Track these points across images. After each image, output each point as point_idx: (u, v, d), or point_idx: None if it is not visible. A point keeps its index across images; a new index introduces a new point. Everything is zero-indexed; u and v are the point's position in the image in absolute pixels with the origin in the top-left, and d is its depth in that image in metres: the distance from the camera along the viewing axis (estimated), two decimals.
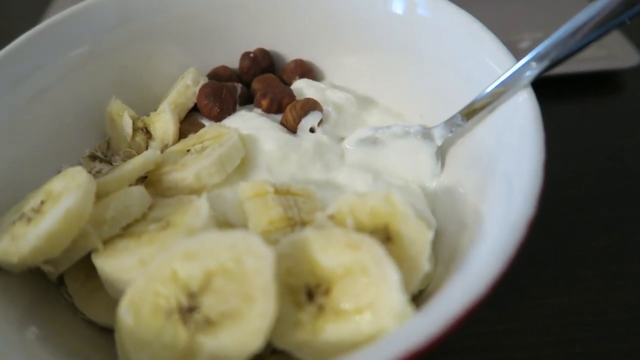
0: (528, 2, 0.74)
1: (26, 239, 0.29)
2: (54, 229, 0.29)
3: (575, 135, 0.58)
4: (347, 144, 0.43)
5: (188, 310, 0.27)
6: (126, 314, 0.28)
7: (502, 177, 0.32)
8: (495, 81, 0.35)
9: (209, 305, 0.27)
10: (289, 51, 0.52)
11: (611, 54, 0.63)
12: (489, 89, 0.35)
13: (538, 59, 0.34)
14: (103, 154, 0.45)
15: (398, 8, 0.44)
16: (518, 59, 0.51)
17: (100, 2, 0.45)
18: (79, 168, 0.34)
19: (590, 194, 0.52)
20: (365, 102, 0.48)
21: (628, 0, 0.32)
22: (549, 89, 0.59)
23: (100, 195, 0.34)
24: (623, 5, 0.32)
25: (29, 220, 0.31)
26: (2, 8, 0.89)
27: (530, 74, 0.34)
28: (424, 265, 0.30)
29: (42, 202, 0.32)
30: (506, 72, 0.35)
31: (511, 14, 0.72)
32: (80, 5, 0.44)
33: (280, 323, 0.28)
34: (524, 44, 0.66)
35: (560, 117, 0.60)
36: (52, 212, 0.30)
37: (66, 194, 0.31)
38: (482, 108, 0.36)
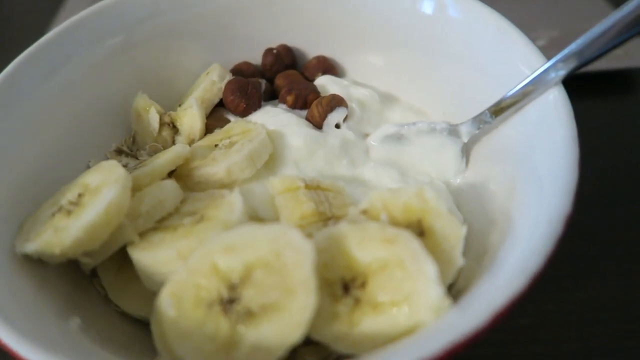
0: (542, 0, 0.74)
1: (68, 230, 0.30)
2: (96, 221, 0.30)
3: (590, 132, 0.59)
4: (372, 140, 0.44)
5: (229, 302, 0.28)
6: (168, 306, 0.28)
7: (532, 174, 0.33)
8: (525, 79, 0.35)
9: (250, 297, 0.28)
10: (311, 47, 0.53)
11: (625, 52, 0.63)
12: (518, 87, 0.35)
13: (566, 59, 0.34)
14: (129, 149, 0.45)
15: (427, 8, 0.44)
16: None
17: None
18: (114, 162, 0.34)
19: (605, 191, 0.52)
20: (388, 99, 0.49)
21: None
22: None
23: (134, 189, 0.34)
24: None
25: (69, 212, 0.31)
26: (10, 15, 0.89)
27: (560, 74, 0.34)
28: (458, 259, 0.31)
29: (80, 195, 0.32)
30: (535, 71, 0.35)
31: (526, 12, 0.72)
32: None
33: (318, 315, 0.28)
34: (540, 42, 0.67)
35: (575, 116, 0.61)
36: (93, 205, 0.30)
37: (105, 187, 0.31)
38: (510, 106, 0.36)
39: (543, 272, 0.25)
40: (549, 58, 0.67)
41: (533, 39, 0.66)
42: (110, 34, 0.44)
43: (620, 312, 0.43)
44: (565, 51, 0.35)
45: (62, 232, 0.30)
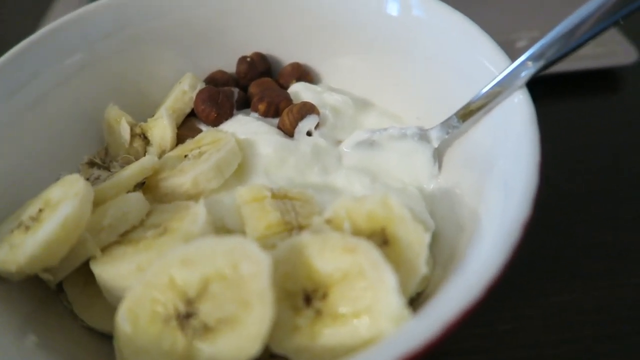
0: (524, 1, 0.74)
1: (24, 247, 0.29)
2: (52, 237, 0.29)
3: (575, 132, 0.58)
4: (344, 147, 0.43)
5: (185, 317, 0.28)
6: (124, 322, 0.28)
7: (498, 178, 0.32)
8: (490, 82, 0.35)
9: (207, 311, 0.27)
10: (285, 54, 0.52)
11: (609, 51, 0.63)
12: (484, 90, 0.35)
13: (533, 59, 0.34)
14: (101, 160, 0.45)
15: (393, 9, 0.44)
16: (515, 58, 0.51)
17: (95, 10, 0.45)
18: (76, 176, 0.34)
19: (589, 191, 0.52)
20: (362, 105, 0.48)
21: None
22: (547, 87, 0.59)
23: (98, 203, 0.34)
24: (618, 3, 0.32)
25: (27, 228, 0.31)
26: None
27: (526, 74, 0.34)
28: (422, 268, 0.30)
29: (40, 210, 0.32)
30: (501, 72, 0.35)
31: (508, 13, 0.72)
32: (75, 13, 0.44)
33: (278, 328, 0.28)
34: (521, 43, 0.66)
35: (558, 115, 0.60)
36: (49, 220, 0.30)
37: (64, 202, 0.31)
38: (478, 109, 0.36)
39: (500, 279, 0.25)
40: None
41: (514, 40, 0.67)
42: (74, 49, 0.44)
43: (603, 315, 0.43)
44: (532, 50, 0.34)
45: (18, 249, 0.29)
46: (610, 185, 0.52)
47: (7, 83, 0.40)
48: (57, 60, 0.43)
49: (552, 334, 0.42)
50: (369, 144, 0.43)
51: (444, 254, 0.36)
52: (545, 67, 0.34)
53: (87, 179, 0.43)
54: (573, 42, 0.33)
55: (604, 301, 0.44)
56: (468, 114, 0.37)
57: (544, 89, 0.35)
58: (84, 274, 0.35)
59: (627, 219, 0.49)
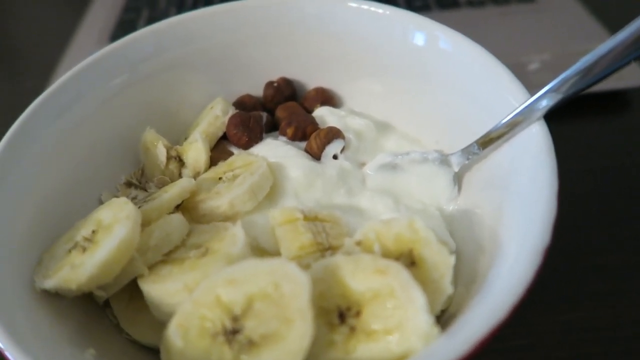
0: (535, 23, 0.76)
1: (84, 267, 0.32)
2: (109, 258, 0.32)
3: (583, 154, 0.60)
4: (368, 170, 0.46)
5: (232, 332, 0.30)
6: (175, 336, 0.30)
7: (517, 202, 0.35)
8: (510, 113, 0.37)
9: (251, 327, 0.30)
10: (310, 78, 0.55)
11: (619, 74, 0.65)
12: (504, 121, 0.37)
13: (552, 92, 0.36)
14: (138, 181, 0.48)
15: (419, 40, 0.46)
16: (527, 81, 0.54)
17: (138, 36, 0.48)
18: (124, 199, 0.36)
19: (599, 212, 0.54)
20: (383, 128, 0.51)
21: None
22: (555, 108, 0.62)
23: (143, 224, 0.37)
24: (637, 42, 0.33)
25: (84, 249, 0.34)
26: (20, 48, 0.92)
27: (544, 107, 0.36)
28: (447, 288, 0.33)
29: (94, 232, 0.35)
30: (521, 105, 0.37)
31: (518, 35, 0.75)
32: (121, 40, 0.47)
33: (315, 343, 0.30)
34: (532, 66, 0.69)
35: (567, 136, 0.62)
36: (106, 242, 0.33)
37: (117, 224, 0.34)
38: (498, 138, 0.38)
39: (523, 301, 0.27)
40: (540, 82, 0.69)
41: (526, 63, 0.70)
42: (116, 73, 0.47)
43: (613, 332, 0.45)
44: (551, 84, 0.36)
45: (78, 269, 0.32)
46: (619, 205, 0.55)
47: (54, 106, 0.43)
48: (100, 83, 0.46)
49: (563, 350, 0.44)
50: (392, 167, 0.45)
51: (464, 273, 0.38)
52: (563, 100, 0.36)
53: None
54: (591, 78, 0.35)
55: (614, 319, 0.45)
56: (488, 141, 0.39)
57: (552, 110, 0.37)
58: (129, 290, 0.37)
59: (636, 238, 0.51)
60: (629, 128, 0.63)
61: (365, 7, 0.47)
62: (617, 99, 0.66)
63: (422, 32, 0.46)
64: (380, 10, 0.47)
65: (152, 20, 0.83)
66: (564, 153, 0.60)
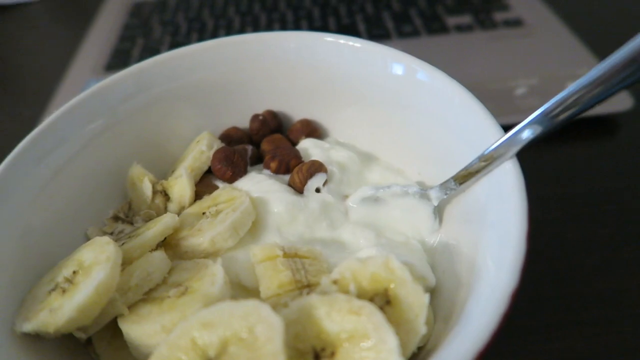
0: (522, 48, 0.77)
1: (62, 311, 0.32)
2: (87, 301, 0.32)
3: (571, 178, 0.61)
4: (350, 202, 0.47)
5: None
6: None
7: (492, 239, 0.35)
8: (485, 150, 0.38)
9: None
10: (295, 110, 0.56)
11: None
12: (478, 157, 0.38)
13: (529, 127, 0.35)
14: (125, 215, 0.48)
15: (398, 70, 0.47)
16: (515, 106, 0.53)
17: (118, 78, 0.49)
18: (106, 239, 0.37)
19: (588, 237, 0.54)
20: (367, 159, 0.52)
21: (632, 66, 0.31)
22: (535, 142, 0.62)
23: (125, 263, 0.37)
24: (627, 71, 0.31)
25: (64, 291, 0.34)
26: (19, 75, 0.94)
27: (521, 141, 0.35)
28: (421, 328, 0.33)
29: (74, 273, 0.35)
30: (496, 141, 0.37)
31: (506, 60, 0.75)
32: (101, 82, 0.48)
33: None
34: (520, 91, 0.70)
35: (555, 160, 0.63)
36: (84, 285, 0.33)
37: (96, 266, 0.34)
38: (474, 173, 0.39)
39: (490, 344, 0.27)
40: (528, 106, 0.70)
41: (513, 87, 0.70)
42: (98, 114, 0.47)
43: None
44: (527, 120, 0.36)
45: (56, 312, 0.33)
46: (608, 230, 0.55)
47: (37, 150, 0.43)
48: (82, 126, 0.47)
49: None
50: (374, 200, 0.46)
51: (444, 307, 0.39)
52: (543, 133, 0.35)
53: (112, 233, 0.47)
54: (570, 113, 0.34)
55: (602, 347, 0.46)
56: (465, 177, 0.40)
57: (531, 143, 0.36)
58: (111, 327, 0.38)
59: (625, 263, 0.51)
60: (618, 151, 0.63)
61: (342, 41, 0.48)
62: (606, 124, 0.67)
63: (400, 64, 0.46)
64: (357, 45, 0.48)
65: (147, 49, 0.85)
66: (553, 177, 0.61)
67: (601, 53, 0.73)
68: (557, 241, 0.54)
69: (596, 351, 0.45)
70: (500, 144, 0.37)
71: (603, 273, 0.51)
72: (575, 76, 0.71)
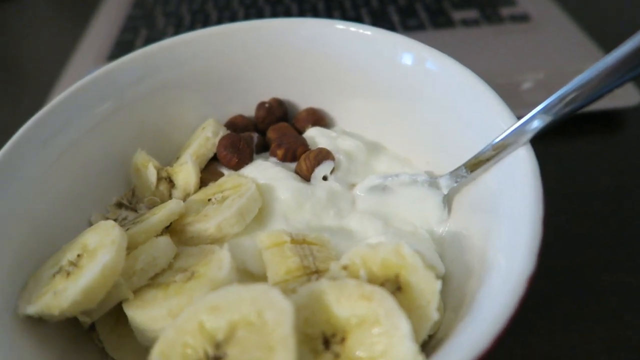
0: (528, 42, 0.77)
1: (66, 293, 0.32)
2: (92, 283, 0.32)
3: (578, 173, 0.60)
4: (358, 191, 0.46)
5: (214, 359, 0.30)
6: None
7: (505, 226, 0.34)
8: (497, 136, 0.37)
9: (234, 355, 0.29)
10: (301, 98, 0.55)
11: (612, 93, 0.65)
12: (491, 144, 0.37)
13: (540, 115, 0.35)
14: (128, 202, 0.48)
15: (407, 60, 0.46)
16: (521, 100, 0.53)
17: (126, 60, 0.48)
18: (111, 222, 0.36)
19: (594, 233, 0.54)
20: (374, 148, 0.51)
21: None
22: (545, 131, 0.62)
23: (130, 247, 0.37)
24: (629, 64, 0.32)
25: (68, 274, 0.34)
26: (24, 63, 0.94)
27: (534, 129, 0.35)
28: (433, 314, 0.32)
29: (79, 256, 0.35)
30: (509, 128, 0.37)
31: (513, 54, 0.75)
32: (108, 65, 0.47)
33: None
34: (526, 85, 0.69)
35: (561, 156, 0.62)
36: (89, 267, 0.33)
37: (101, 249, 0.33)
38: (486, 161, 0.38)
39: (506, 330, 0.27)
40: (534, 101, 0.69)
41: (520, 82, 0.70)
42: (105, 97, 0.47)
43: (611, 355, 0.44)
44: (537, 109, 0.36)
45: (61, 295, 0.32)
46: (614, 226, 0.54)
47: (42, 132, 0.43)
48: (88, 108, 0.46)
49: None
50: (382, 188, 0.45)
51: (454, 296, 0.38)
52: (553, 123, 0.35)
53: (115, 219, 0.46)
54: (580, 102, 0.34)
55: (611, 342, 0.45)
56: (476, 164, 0.39)
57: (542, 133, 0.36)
58: (115, 314, 0.37)
59: (630, 258, 0.51)
60: (624, 148, 0.63)
61: (353, 29, 0.48)
62: (612, 119, 0.66)
63: (410, 52, 0.46)
64: (368, 32, 0.47)
65: (150, 40, 0.84)
66: (559, 172, 0.60)
67: (607, 48, 0.73)
68: (560, 236, 0.53)
69: (606, 345, 0.45)
70: (513, 130, 0.36)
71: (609, 268, 0.50)
72: (581, 70, 0.70)
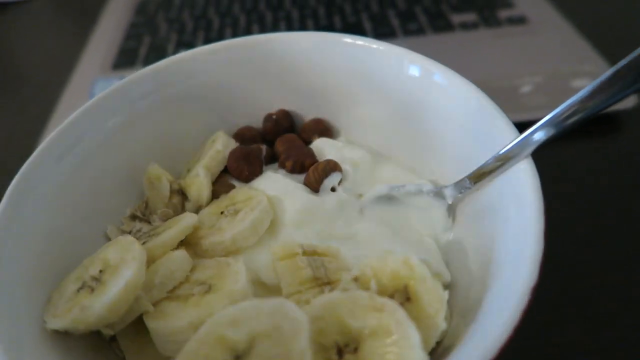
0: (527, 45, 0.78)
1: (92, 309, 0.33)
2: (117, 299, 0.33)
3: (575, 175, 0.62)
4: (365, 201, 0.47)
5: None
6: None
7: (508, 237, 0.36)
8: (500, 149, 0.38)
9: None
10: (308, 109, 0.57)
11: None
12: (493, 157, 0.39)
13: (542, 129, 0.37)
14: (142, 214, 0.49)
15: (414, 72, 0.47)
16: (520, 103, 0.53)
17: (137, 76, 0.50)
18: (130, 238, 0.38)
19: (591, 234, 0.55)
20: (380, 158, 0.52)
21: None
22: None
23: (148, 261, 0.38)
24: (631, 78, 0.32)
25: (92, 289, 0.35)
26: (27, 73, 0.95)
27: (534, 143, 0.36)
28: (441, 324, 0.34)
29: (101, 271, 0.36)
30: (512, 141, 0.38)
31: (511, 57, 0.76)
32: (120, 82, 0.48)
33: None
34: (525, 88, 0.71)
35: (558, 158, 0.64)
36: (113, 283, 0.34)
37: (124, 265, 0.35)
38: (489, 173, 0.40)
39: (511, 338, 0.29)
40: (533, 104, 0.71)
41: (518, 85, 0.71)
42: (116, 112, 0.48)
43: (607, 356, 0.46)
44: (542, 122, 0.37)
45: (87, 310, 0.33)
46: (611, 227, 0.56)
47: (56, 149, 0.44)
48: (100, 124, 0.48)
49: None
50: (388, 198, 0.47)
51: (460, 304, 0.40)
52: (556, 135, 0.36)
53: (130, 231, 0.48)
54: (583, 114, 0.35)
55: (608, 343, 0.47)
56: (479, 176, 0.41)
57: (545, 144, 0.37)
58: (135, 324, 0.39)
59: (628, 260, 0.52)
60: (621, 149, 0.64)
61: (360, 42, 0.49)
62: (609, 122, 0.67)
63: (416, 65, 0.47)
64: (375, 46, 0.49)
65: (153, 47, 0.85)
66: (557, 174, 0.62)
67: (605, 50, 0.74)
68: (560, 236, 0.55)
69: (603, 346, 0.46)
70: (515, 144, 0.38)
71: (606, 269, 0.52)
72: (579, 73, 0.72)
